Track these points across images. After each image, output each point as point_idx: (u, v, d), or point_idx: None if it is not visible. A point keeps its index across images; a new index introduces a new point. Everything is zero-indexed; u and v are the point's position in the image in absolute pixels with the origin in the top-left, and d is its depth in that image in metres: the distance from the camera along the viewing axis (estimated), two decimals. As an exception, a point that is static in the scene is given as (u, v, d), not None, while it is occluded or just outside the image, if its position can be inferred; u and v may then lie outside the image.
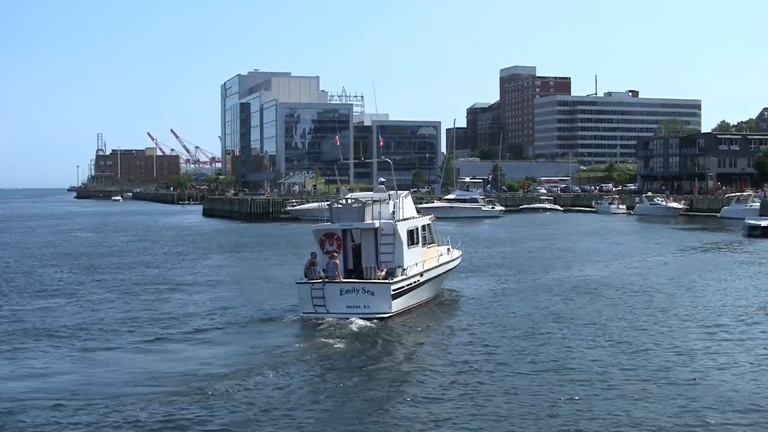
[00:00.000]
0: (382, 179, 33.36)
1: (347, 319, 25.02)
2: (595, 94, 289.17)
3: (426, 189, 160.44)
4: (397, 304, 26.30)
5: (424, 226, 30.26)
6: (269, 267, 44.07)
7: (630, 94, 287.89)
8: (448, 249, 32.93)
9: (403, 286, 26.81)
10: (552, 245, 57.62)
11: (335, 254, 26.91)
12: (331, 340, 22.97)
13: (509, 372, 19.64)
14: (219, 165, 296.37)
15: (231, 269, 43.86)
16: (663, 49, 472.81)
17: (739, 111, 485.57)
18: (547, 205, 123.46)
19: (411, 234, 28.66)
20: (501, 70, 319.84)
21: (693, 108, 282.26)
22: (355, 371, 19.87)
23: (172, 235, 71.80)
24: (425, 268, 28.86)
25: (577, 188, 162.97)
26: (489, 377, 19.16)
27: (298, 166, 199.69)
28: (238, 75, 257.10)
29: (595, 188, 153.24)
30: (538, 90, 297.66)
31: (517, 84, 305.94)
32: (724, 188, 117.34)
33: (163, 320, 27.08)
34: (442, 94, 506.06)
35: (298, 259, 46.55)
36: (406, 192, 31.54)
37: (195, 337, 24.31)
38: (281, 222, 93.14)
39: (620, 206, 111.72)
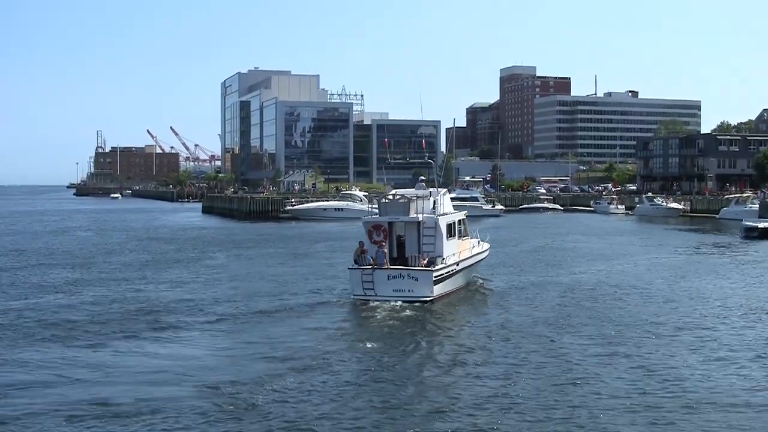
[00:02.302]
0: (422, 177, 36.69)
1: (394, 301, 27.91)
2: (595, 94, 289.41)
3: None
4: (438, 290, 29.10)
5: (460, 221, 33.21)
6: (288, 265, 44.33)
7: (630, 94, 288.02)
8: (479, 241, 36.05)
9: (443, 274, 29.67)
10: (557, 244, 58.16)
11: (383, 243, 29.86)
12: (381, 321, 25.67)
13: (539, 357, 21.24)
14: (218, 163, 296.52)
15: (259, 266, 43.98)
16: (663, 50, 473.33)
17: (739, 112, 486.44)
18: (548, 205, 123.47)
19: (449, 227, 31.53)
20: (501, 70, 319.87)
21: (693, 108, 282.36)
22: (407, 350, 21.91)
23: (181, 235, 71.76)
24: (460, 258, 31.83)
25: (576, 188, 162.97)
26: (521, 361, 20.78)
27: (298, 165, 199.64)
28: (238, 73, 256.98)
29: (603, 189, 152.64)
30: (537, 90, 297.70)
31: (517, 84, 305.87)
32: (733, 189, 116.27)
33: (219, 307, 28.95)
34: (442, 93, 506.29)
35: (310, 259, 47.53)
36: (444, 190, 34.77)
37: (254, 321, 26.50)
38: (281, 221, 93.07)
39: (619, 206, 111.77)
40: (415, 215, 30.55)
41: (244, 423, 15.81)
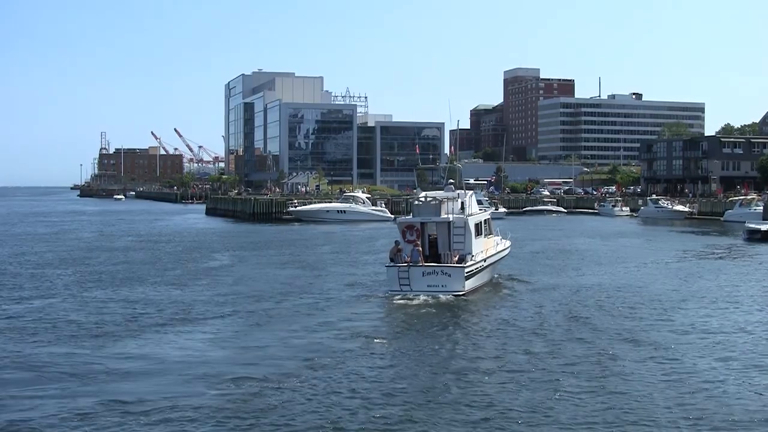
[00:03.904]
0: (452, 180, 39.10)
1: (428, 295, 29.95)
2: (599, 96, 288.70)
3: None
4: (469, 284, 31.33)
5: (485, 220, 35.74)
6: (311, 263, 44.34)
7: (634, 96, 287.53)
8: (500, 239, 38.40)
9: (473, 270, 31.92)
10: (562, 247, 58.14)
11: (417, 242, 32.02)
12: (418, 315, 27.49)
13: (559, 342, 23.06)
14: (222, 164, 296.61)
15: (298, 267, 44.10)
16: (667, 52, 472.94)
17: (743, 114, 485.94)
18: (551, 207, 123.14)
19: (477, 226, 33.92)
20: (505, 72, 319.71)
21: (697, 111, 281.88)
22: (439, 346, 22.95)
23: (185, 237, 71.73)
24: (487, 255, 34.16)
25: (580, 190, 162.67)
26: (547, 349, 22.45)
27: (302, 166, 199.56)
28: (242, 75, 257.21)
29: (608, 191, 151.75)
30: (541, 92, 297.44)
31: (521, 86, 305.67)
32: (744, 191, 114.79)
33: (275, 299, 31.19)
34: (446, 95, 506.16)
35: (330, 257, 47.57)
36: (471, 192, 37.33)
37: (305, 312, 28.38)
38: (283, 223, 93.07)
39: (623, 209, 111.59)
40: (446, 216, 32.84)
41: (257, 420, 15.79)
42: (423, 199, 34.69)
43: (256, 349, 22.24)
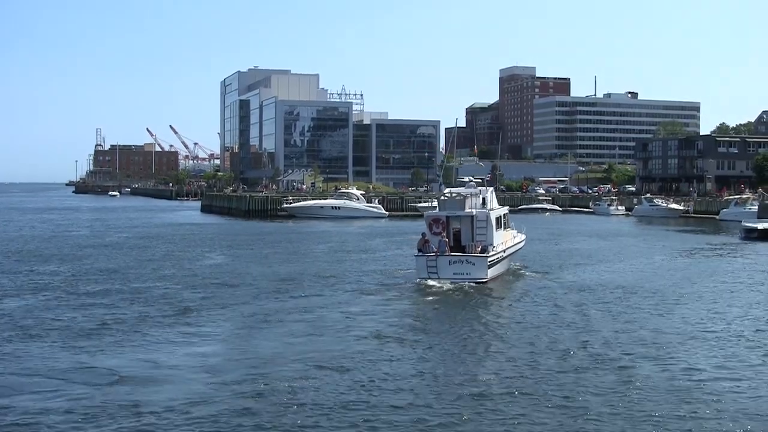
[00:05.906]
0: (471, 177, 42.15)
1: (454, 283, 32.48)
2: (595, 95, 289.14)
3: (424, 188, 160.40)
4: (491, 273, 33.98)
5: (504, 215, 38.79)
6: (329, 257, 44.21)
7: (629, 95, 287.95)
8: (517, 232, 41.20)
9: (494, 259, 34.67)
10: (561, 246, 58.10)
11: (443, 234, 34.63)
12: (446, 299, 30.21)
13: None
14: (218, 161, 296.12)
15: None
16: (663, 51, 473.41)
17: (738, 114, 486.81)
18: (546, 206, 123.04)
19: (498, 220, 36.71)
20: (500, 70, 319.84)
21: (692, 110, 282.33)
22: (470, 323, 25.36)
23: (182, 233, 71.57)
24: (506, 247, 37.13)
25: (575, 189, 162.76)
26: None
27: (297, 164, 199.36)
28: (238, 72, 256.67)
29: (605, 190, 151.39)
30: (537, 90, 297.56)
31: (517, 84, 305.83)
32: (748, 191, 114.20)
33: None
34: (442, 93, 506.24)
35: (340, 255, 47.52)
36: (491, 188, 40.35)
37: (341, 301, 30.38)
38: (277, 220, 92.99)
39: (619, 207, 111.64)
40: (470, 210, 35.64)
41: (268, 422, 15.68)
42: (448, 194, 37.87)
43: (262, 348, 22.02)
